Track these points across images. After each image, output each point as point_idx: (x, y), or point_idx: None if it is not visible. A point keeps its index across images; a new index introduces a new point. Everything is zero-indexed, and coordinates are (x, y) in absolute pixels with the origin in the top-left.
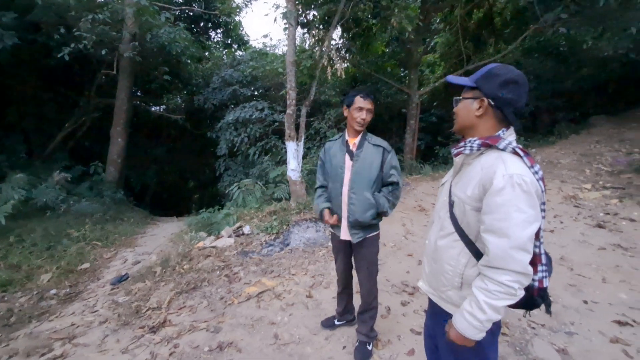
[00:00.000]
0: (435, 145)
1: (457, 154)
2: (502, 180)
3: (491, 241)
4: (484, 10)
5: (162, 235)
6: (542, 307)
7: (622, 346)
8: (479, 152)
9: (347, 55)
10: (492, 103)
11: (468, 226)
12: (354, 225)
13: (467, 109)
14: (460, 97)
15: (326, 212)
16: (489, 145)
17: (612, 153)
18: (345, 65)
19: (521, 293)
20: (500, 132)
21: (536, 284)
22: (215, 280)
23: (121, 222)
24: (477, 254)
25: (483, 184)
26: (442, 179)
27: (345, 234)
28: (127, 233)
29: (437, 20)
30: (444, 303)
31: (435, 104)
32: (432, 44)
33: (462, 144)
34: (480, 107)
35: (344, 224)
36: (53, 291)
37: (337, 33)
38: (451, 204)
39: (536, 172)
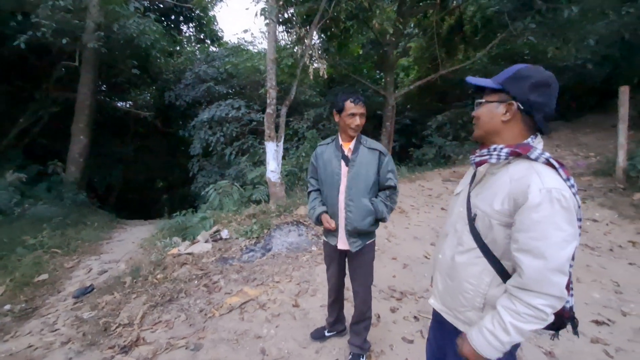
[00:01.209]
0: (409, 147)
1: (480, 163)
2: (538, 195)
3: (526, 262)
4: (455, 17)
5: (130, 241)
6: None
7: (602, 346)
8: (506, 161)
9: (325, 55)
10: (522, 107)
11: (494, 242)
12: (352, 233)
13: (491, 113)
14: (483, 100)
15: (325, 217)
16: (518, 154)
17: (572, 157)
18: (324, 65)
19: (552, 318)
20: (529, 139)
21: (568, 305)
22: (193, 291)
23: (84, 227)
24: (503, 273)
25: (514, 198)
26: (457, 187)
27: (343, 243)
28: (91, 239)
29: (412, 25)
30: (460, 324)
31: (409, 106)
32: (405, 47)
33: (485, 151)
34: (507, 112)
35: (341, 232)
36: (7, 307)
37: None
38: (472, 218)
39: (572, 186)
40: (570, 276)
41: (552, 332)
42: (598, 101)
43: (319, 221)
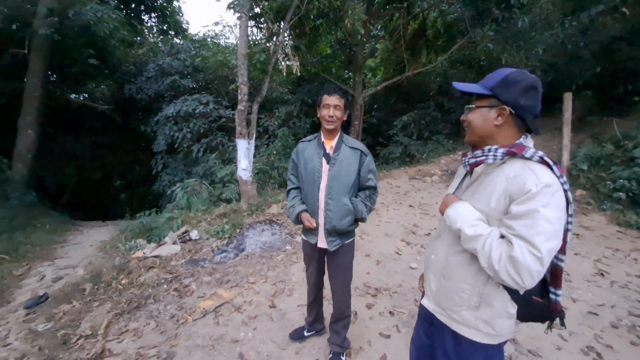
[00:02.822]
0: (376, 146)
1: (476, 164)
2: (535, 189)
3: (521, 245)
4: (419, 22)
5: (88, 244)
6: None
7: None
8: (501, 161)
9: (294, 53)
10: (513, 111)
11: None
12: (331, 232)
13: (483, 118)
14: (473, 105)
15: (305, 215)
16: (513, 154)
17: None
18: (297, 63)
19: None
20: (521, 139)
21: (560, 298)
22: (163, 296)
23: (34, 230)
24: None
25: (510, 195)
26: (448, 190)
27: (322, 242)
28: (43, 243)
29: (378, 27)
30: (454, 324)
31: (375, 106)
32: (372, 48)
33: (479, 152)
34: (499, 116)
35: (321, 231)
36: None
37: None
38: None
39: (565, 182)
40: (561, 271)
41: (545, 323)
42: (543, 105)
43: (298, 220)
